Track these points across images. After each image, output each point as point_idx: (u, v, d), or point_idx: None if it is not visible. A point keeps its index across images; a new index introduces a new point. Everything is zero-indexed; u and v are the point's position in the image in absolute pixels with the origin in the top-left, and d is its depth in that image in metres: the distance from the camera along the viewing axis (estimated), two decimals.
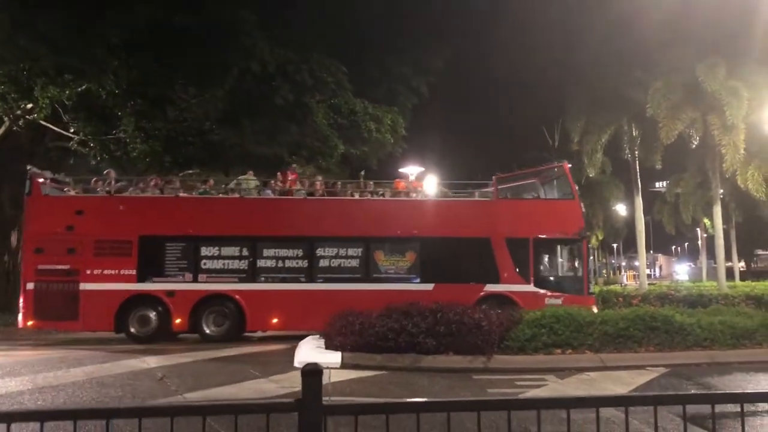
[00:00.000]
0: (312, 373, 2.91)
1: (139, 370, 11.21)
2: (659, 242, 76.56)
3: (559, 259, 17.28)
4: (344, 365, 11.04)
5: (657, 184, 60.68)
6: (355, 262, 16.17)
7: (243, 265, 15.85)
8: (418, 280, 16.11)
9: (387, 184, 18.35)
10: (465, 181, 18.24)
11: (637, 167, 28.77)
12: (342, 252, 16.15)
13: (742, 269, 49.98)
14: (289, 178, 17.27)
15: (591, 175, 28.75)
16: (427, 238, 16.20)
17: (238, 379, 10.13)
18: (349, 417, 3.03)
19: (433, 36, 26.60)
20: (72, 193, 16.40)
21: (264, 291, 15.69)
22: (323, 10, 22.75)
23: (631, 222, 68.15)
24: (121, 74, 18.76)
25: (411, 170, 24.05)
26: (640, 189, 28.98)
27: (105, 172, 17.00)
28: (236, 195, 16.64)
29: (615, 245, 74.31)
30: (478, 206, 17.41)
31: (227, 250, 15.81)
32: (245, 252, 15.88)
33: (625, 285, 46.02)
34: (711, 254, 68.18)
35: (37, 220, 15.47)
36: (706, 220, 44.93)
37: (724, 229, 46.60)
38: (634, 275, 67.43)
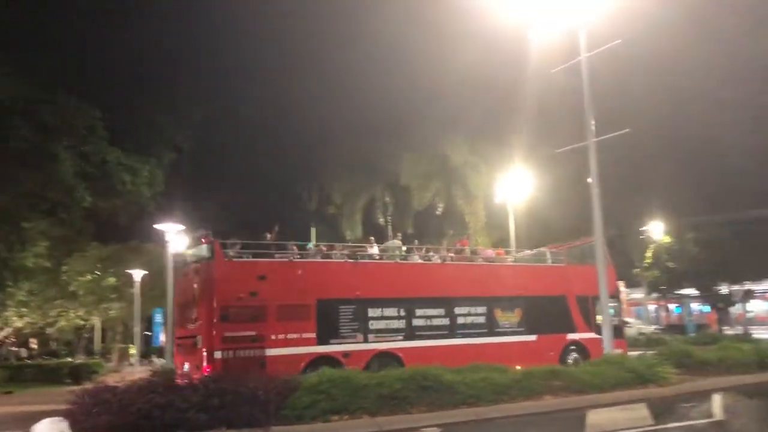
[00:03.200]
0: None
1: None
2: None
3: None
4: None
5: None
6: (482, 319, 18.24)
7: (401, 324, 17.06)
8: (525, 333, 18.63)
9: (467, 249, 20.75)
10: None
11: (390, 231, 30.36)
12: (473, 310, 18.15)
13: None
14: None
15: (348, 238, 29.52)
16: (529, 297, 18.88)
17: None
18: None
19: (192, 88, 25.57)
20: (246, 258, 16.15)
21: (419, 347, 16.80)
22: (71, 51, 20.57)
23: None
24: None
25: (168, 227, 22.41)
26: None
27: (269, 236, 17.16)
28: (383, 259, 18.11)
29: None
30: (558, 270, 20.33)
31: (388, 311, 16.93)
32: (402, 312, 17.11)
33: None
34: None
35: (222, 286, 15.19)
36: None
37: None
38: None
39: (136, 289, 31.85)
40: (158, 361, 35.39)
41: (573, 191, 35.40)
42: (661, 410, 12.28)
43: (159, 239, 36.44)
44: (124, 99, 23.33)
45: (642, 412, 12.33)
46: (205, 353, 14.68)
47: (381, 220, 30.20)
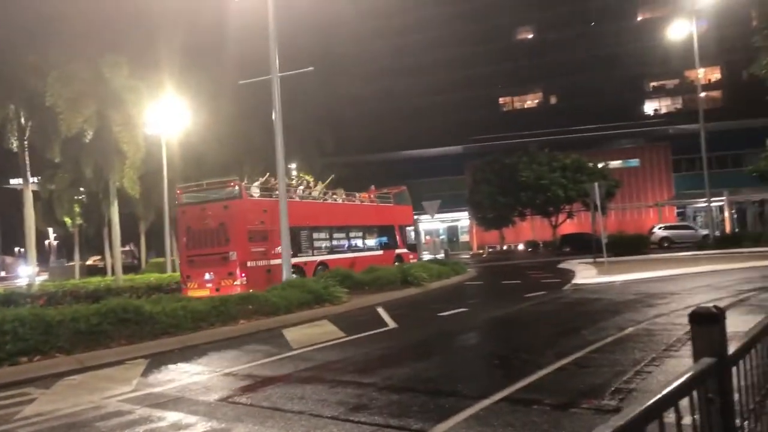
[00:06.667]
0: None
1: None
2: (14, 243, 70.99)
3: (408, 236, 31.71)
4: None
5: (12, 181, 56.36)
6: (360, 241, 27.18)
7: (327, 244, 24.88)
8: (378, 250, 28.04)
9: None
10: None
11: (27, 159, 26.55)
12: (356, 234, 27.06)
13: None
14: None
15: None
16: (380, 225, 28.77)
17: None
18: None
19: None
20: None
21: (334, 259, 24.21)
22: None
23: None
24: None
25: None
26: (30, 182, 26.81)
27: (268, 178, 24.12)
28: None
29: None
30: (391, 208, 30.57)
31: (321, 235, 24.55)
32: (326, 236, 24.88)
33: None
34: (62, 254, 67.71)
35: (248, 216, 20.93)
36: (67, 219, 44.78)
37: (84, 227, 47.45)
38: None
39: None
40: None
41: (228, 128, 35.89)
42: (344, 324, 13.79)
43: None
44: None
45: (330, 327, 13.71)
46: (238, 264, 19.91)
47: (15, 144, 25.93)
